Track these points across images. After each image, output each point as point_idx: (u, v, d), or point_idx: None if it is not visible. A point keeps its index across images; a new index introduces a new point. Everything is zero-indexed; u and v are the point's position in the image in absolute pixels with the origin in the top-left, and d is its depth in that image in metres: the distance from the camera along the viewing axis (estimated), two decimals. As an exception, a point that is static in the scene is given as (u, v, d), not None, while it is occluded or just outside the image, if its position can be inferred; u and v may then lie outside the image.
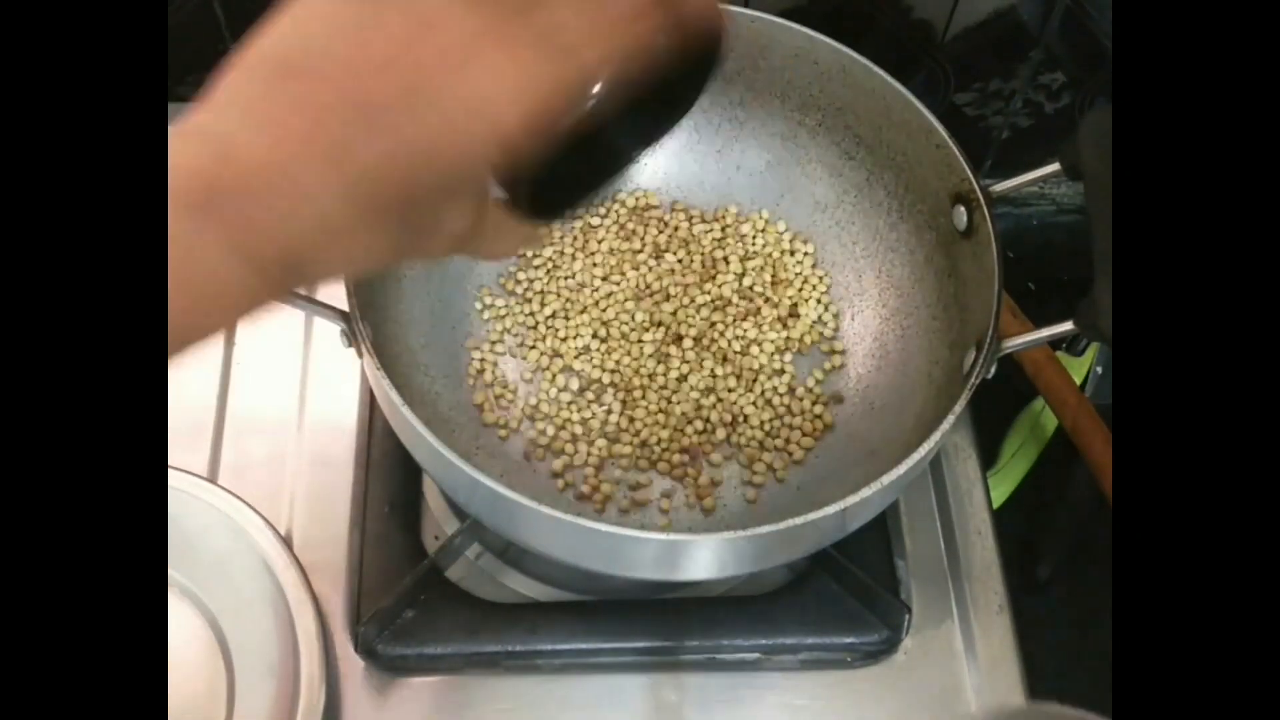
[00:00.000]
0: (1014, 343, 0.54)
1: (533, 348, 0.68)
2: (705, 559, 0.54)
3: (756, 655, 0.63)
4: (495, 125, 0.32)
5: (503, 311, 0.69)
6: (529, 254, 0.70)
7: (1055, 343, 0.61)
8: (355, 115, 0.31)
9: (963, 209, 0.59)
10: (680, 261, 0.71)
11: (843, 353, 0.69)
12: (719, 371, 0.67)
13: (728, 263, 0.71)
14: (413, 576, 0.61)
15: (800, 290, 0.70)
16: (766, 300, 0.70)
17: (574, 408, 0.66)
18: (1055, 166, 0.55)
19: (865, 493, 0.51)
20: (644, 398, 0.66)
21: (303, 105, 0.31)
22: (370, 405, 0.68)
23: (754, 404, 0.67)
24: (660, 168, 0.72)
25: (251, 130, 0.31)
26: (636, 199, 0.72)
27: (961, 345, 0.59)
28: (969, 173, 0.58)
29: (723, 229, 0.72)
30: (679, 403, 0.67)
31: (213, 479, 0.65)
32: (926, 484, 0.69)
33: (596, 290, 0.70)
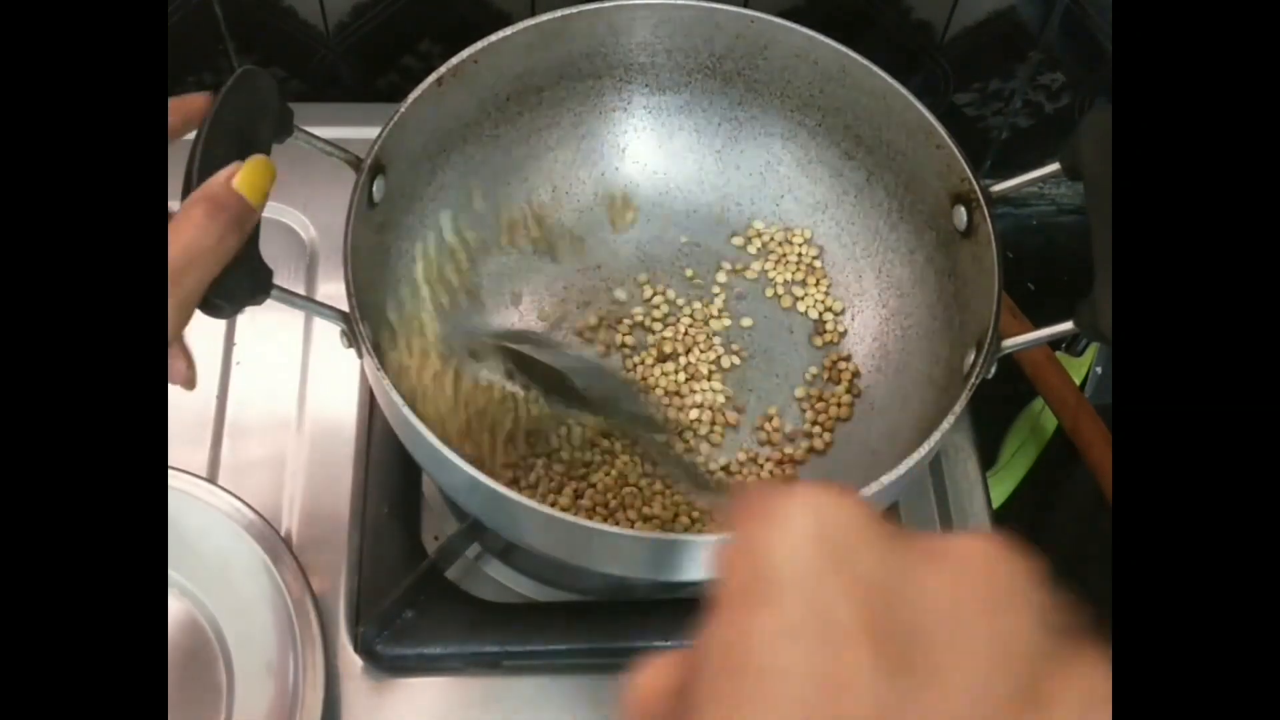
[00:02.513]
0: (1014, 343, 0.54)
1: (533, 348, 0.68)
2: (706, 559, 0.54)
3: (757, 655, 0.62)
4: None
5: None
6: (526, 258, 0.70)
7: (1055, 343, 0.61)
8: None
9: (963, 209, 0.59)
10: (680, 261, 0.71)
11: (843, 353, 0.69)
12: (719, 371, 0.67)
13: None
14: (413, 576, 0.61)
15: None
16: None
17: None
18: (1055, 166, 0.55)
19: (865, 493, 0.51)
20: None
21: None
22: (370, 405, 0.68)
23: (754, 404, 0.67)
24: (659, 167, 0.72)
25: None
26: (636, 199, 0.72)
27: (961, 345, 0.59)
28: (969, 173, 0.58)
29: (723, 229, 0.72)
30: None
31: (213, 479, 0.65)
32: (926, 484, 0.69)
33: (596, 290, 0.70)
